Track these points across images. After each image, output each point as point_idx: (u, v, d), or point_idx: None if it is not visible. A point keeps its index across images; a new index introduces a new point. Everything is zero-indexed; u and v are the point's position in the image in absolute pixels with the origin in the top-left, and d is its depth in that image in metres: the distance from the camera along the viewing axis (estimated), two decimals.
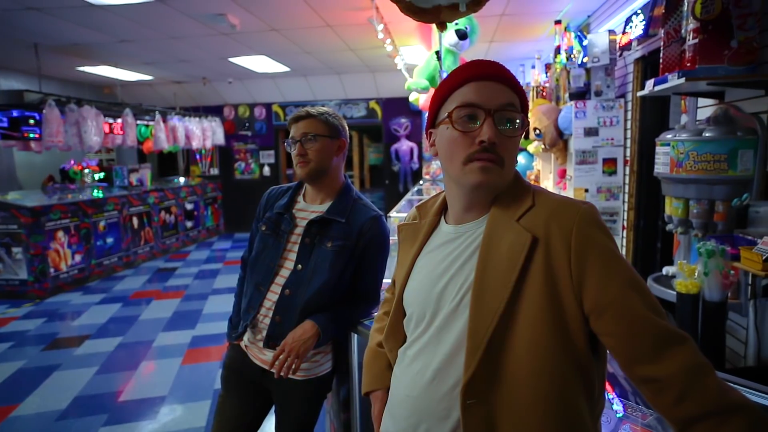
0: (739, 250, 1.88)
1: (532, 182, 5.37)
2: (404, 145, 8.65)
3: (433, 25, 3.02)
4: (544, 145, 3.82)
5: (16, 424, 2.63)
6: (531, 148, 4.68)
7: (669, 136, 2.28)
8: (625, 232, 3.60)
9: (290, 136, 1.42)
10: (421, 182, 8.49)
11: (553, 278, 0.75)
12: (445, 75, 3.53)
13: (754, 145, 2.02)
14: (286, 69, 7.33)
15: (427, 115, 0.92)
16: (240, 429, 1.49)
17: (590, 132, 3.61)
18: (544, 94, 4.73)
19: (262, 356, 1.45)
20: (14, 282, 4.91)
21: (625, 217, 3.59)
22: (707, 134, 2.11)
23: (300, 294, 1.39)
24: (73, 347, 3.69)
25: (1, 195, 5.41)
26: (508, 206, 0.83)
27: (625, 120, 3.55)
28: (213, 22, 4.46)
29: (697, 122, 2.50)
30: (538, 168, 5.15)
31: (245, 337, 1.50)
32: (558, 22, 4.24)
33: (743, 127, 2.09)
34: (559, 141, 3.77)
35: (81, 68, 6.70)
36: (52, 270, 5.03)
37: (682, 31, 2.18)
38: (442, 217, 0.96)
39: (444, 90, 0.88)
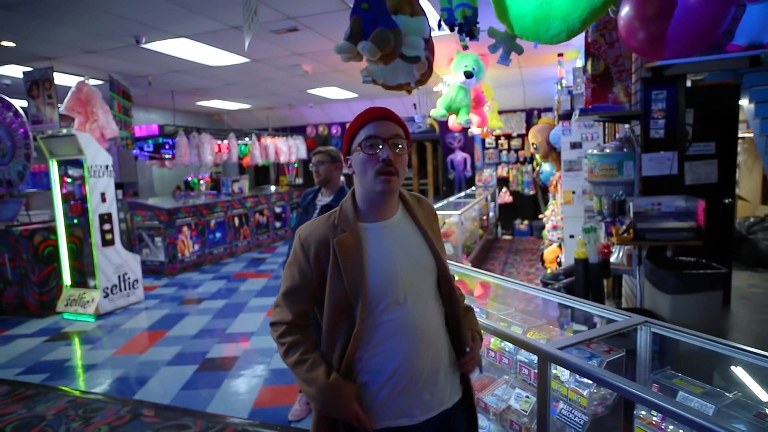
0: (613, 229, 2.80)
1: (553, 187, 6.19)
2: (458, 156, 9.65)
3: (451, 65, 4.23)
4: (541, 156, 4.74)
5: (169, 340, 4.23)
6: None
7: (589, 151, 3.22)
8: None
9: (311, 162, 2.67)
10: (473, 188, 9.40)
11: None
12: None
13: (633, 157, 2.91)
14: (354, 95, 8.77)
15: (343, 146, 1.29)
16: None
17: (575, 145, 4.48)
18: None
19: None
20: (156, 263, 6.79)
21: None
22: (606, 150, 3.03)
23: None
24: (196, 304, 5.31)
25: (144, 200, 7.42)
26: (408, 200, 1.30)
27: (604, 135, 4.38)
28: (291, 69, 5.97)
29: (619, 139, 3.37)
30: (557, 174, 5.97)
31: None
32: (560, 54, 5.12)
33: (631, 145, 2.98)
34: (552, 153, 4.67)
35: (199, 102, 8.72)
36: (179, 255, 6.84)
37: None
38: (358, 222, 1.22)
39: (354, 129, 1.22)
